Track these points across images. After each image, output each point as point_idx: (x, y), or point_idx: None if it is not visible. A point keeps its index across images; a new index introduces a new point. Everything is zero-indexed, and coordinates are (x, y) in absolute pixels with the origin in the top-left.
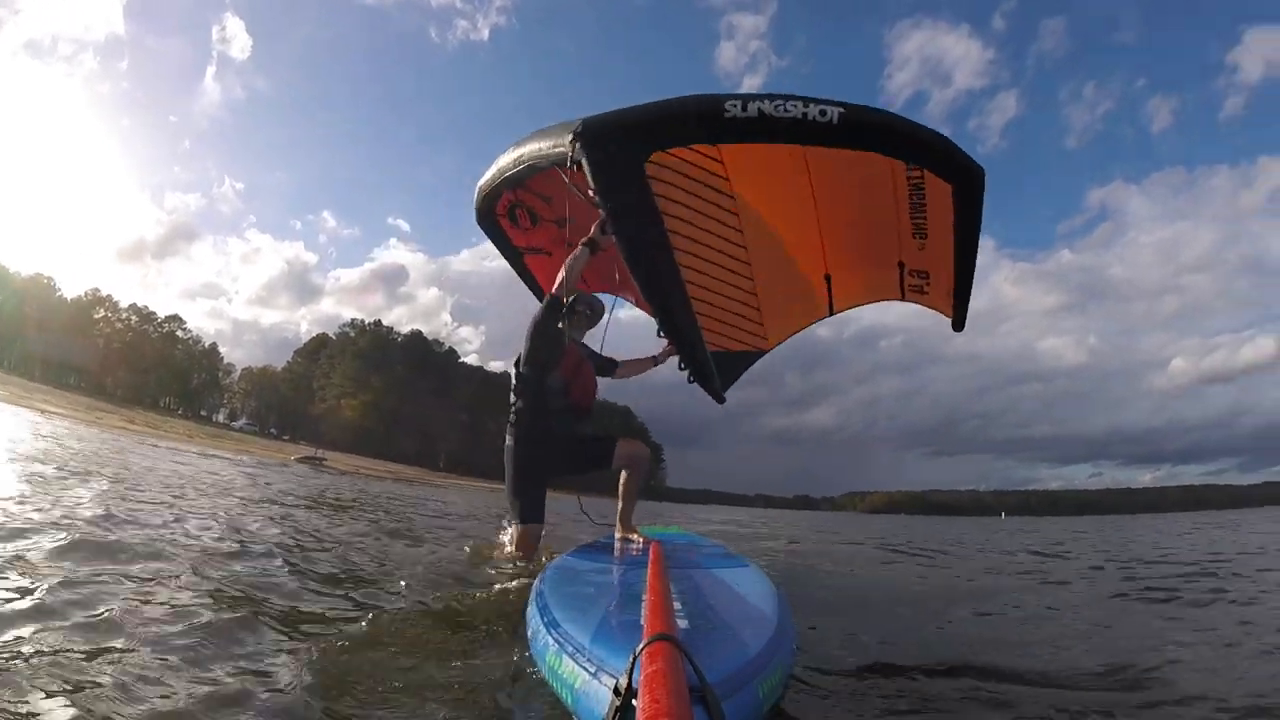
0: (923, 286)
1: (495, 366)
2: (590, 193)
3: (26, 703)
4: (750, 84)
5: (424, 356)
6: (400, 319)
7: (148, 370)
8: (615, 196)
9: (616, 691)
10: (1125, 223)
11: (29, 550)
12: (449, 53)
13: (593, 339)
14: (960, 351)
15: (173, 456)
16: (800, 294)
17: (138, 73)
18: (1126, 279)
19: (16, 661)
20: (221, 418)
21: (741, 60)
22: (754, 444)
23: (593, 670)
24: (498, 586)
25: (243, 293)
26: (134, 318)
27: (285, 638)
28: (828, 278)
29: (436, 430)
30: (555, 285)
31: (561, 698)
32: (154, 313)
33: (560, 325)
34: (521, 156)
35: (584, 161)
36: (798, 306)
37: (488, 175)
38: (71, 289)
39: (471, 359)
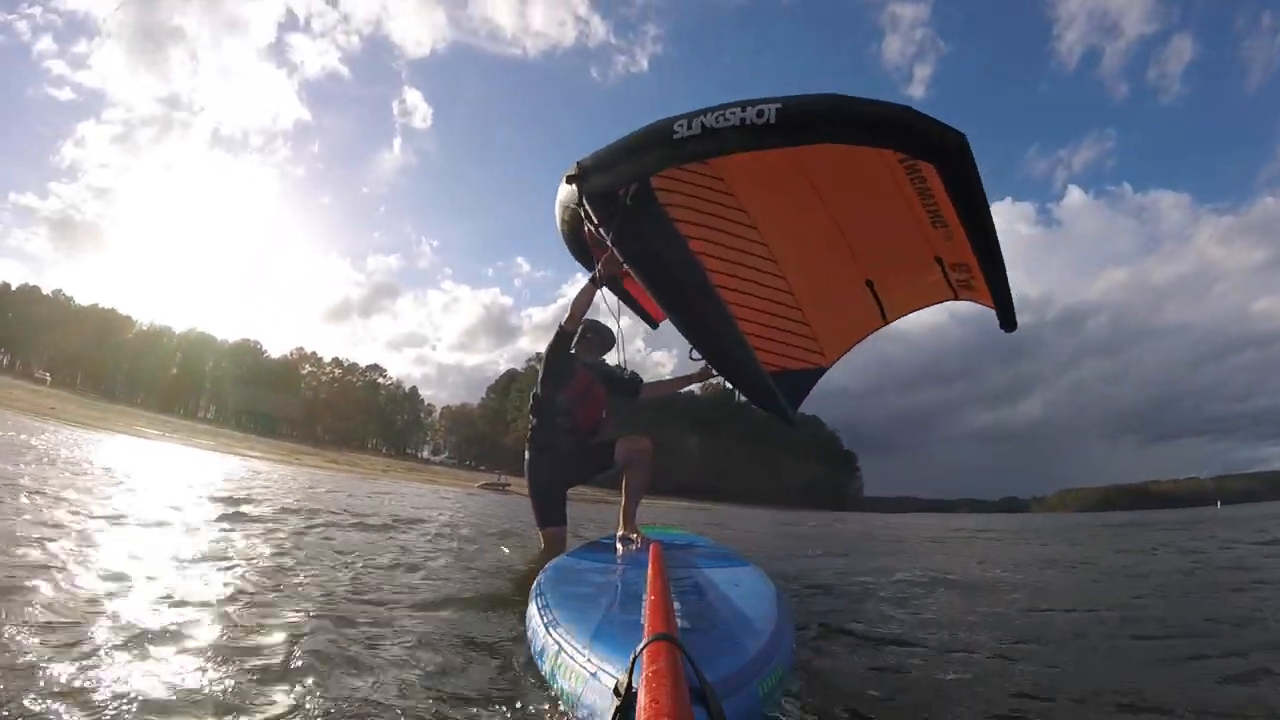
0: (969, 281)
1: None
2: (594, 228)
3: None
4: (920, 74)
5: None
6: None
7: (352, 416)
8: (612, 228)
9: (617, 692)
10: None
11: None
12: (610, 89)
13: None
14: (1170, 323)
15: (367, 488)
16: (847, 304)
17: (329, 153)
18: None
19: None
20: (426, 454)
21: (908, 51)
22: (956, 445)
23: (593, 670)
24: (499, 586)
25: (445, 339)
26: (337, 370)
27: (289, 632)
28: (870, 283)
29: None
30: (565, 317)
31: (561, 698)
32: (355, 364)
33: (571, 351)
34: (561, 203)
35: (582, 200)
36: (848, 317)
37: (557, 224)
38: (278, 349)
39: None
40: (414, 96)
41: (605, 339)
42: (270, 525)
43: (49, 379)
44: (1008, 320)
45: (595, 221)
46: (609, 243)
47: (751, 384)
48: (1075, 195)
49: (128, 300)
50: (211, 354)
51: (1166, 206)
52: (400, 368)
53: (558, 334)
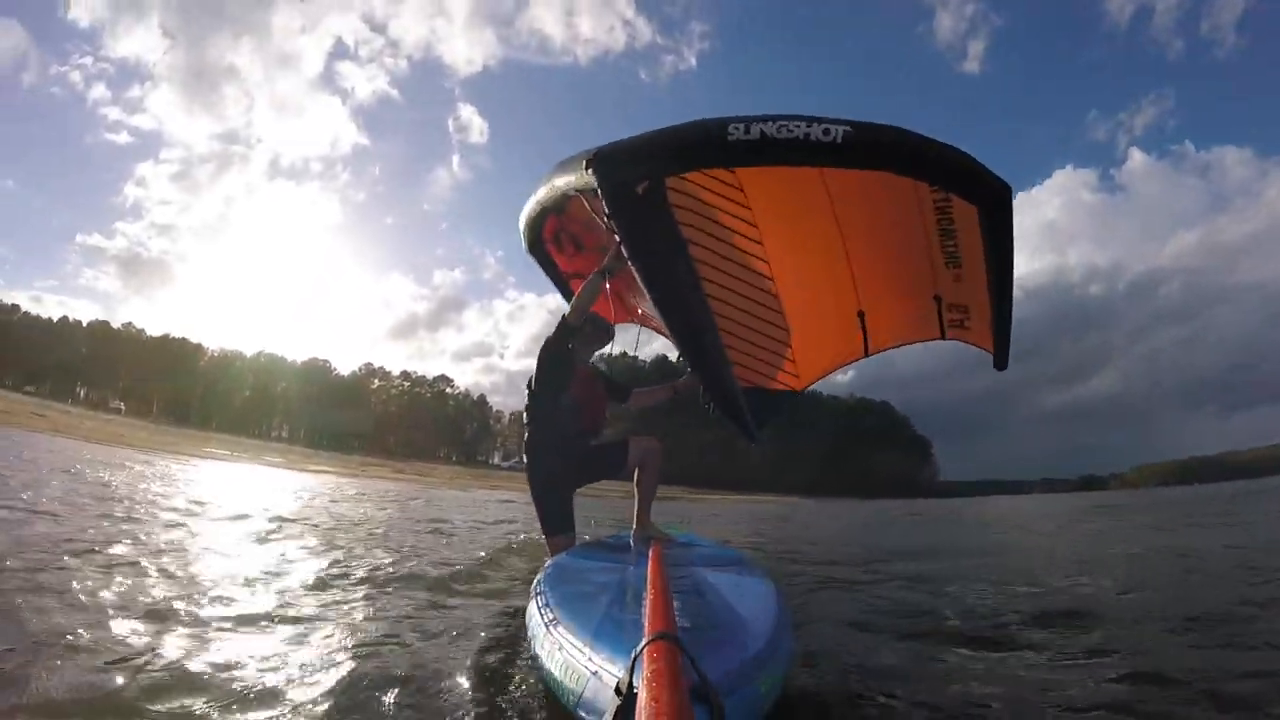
0: (963, 321)
1: None
2: (605, 218)
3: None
4: (974, 50)
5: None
6: (660, 347)
7: (422, 427)
8: (626, 221)
9: (617, 691)
10: None
11: None
12: (662, 88)
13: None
14: (1244, 282)
15: (421, 495)
16: (833, 331)
17: (389, 174)
18: None
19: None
20: (497, 459)
21: (960, 28)
22: (1032, 425)
23: (593, 669)
24: (500, 586)
25: (512, 347)
26: (406, 383)
27: (288, 633)
28: (861, 314)
29: (680, 448)
30: (570, 310)
31: (562, 698)
32: (424, 376)
33: (570, 347)
34: (554, 186)
35: (597, 187)
36: (831, 345)
37: (527, 208)
38: (346, 367)
39: None
40: (468, 112)
41: (603, 333)
42: (296, 533)
43: (123, 409)
44: (1003, 360)
45: (608, 213)
46: (620, 237)
47: (726, 398)
48: (1137, 158)
49: (198, 328)
50: (282, 375)
51: (1231, 162)
52: (468, 377)
53: (560, 328)
